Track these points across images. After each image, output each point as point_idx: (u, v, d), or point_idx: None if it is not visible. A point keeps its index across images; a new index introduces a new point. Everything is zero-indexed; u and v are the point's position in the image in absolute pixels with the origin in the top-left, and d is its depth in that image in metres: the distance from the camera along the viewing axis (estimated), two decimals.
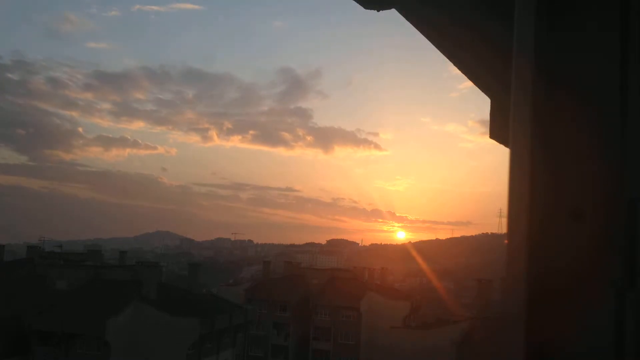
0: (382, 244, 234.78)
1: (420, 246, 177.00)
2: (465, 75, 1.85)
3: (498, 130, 1.79)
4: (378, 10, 1.80)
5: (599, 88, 1.12)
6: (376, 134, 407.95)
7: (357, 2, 1.77)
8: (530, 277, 1.08)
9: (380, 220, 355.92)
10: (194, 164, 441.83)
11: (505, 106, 1.41)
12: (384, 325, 57.26)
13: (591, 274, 1.07)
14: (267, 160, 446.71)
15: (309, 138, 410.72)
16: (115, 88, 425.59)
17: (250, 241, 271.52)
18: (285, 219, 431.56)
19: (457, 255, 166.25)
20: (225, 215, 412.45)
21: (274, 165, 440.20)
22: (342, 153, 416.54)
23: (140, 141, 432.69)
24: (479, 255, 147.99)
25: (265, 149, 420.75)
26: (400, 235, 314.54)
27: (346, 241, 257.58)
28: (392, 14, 1.76)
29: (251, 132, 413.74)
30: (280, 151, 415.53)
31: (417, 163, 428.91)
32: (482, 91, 1.85)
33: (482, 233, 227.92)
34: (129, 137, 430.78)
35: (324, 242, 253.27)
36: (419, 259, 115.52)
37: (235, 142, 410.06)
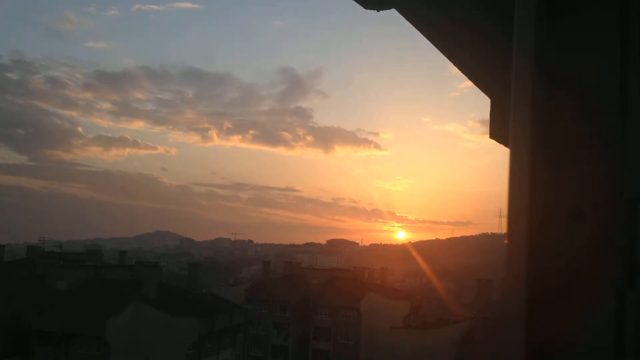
0: (382, 244, 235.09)
1: (420, 246, 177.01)
2: (465, 75, 1.85)
3: (498, 130, 1.79)
4: (378, 10, 1.80)
5: (599, 88, 1.12)
6: (376, 134, 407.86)
7: (357, 2, 1.77)
8: (530, 277, 1.08)
9: (380, 220, 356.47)
10: (193, 163, 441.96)
11: (505, 106, 1.41)
12: (384, 325, 57.29)
13: (591, 274, 1.07)
14: (267, 160, 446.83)
15: (309, 138, 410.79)
16: (114, 88, 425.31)
17: (250, 241, 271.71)
18: (285, 219, 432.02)
19: (457, 255, 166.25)
20: (225, 215, 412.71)
21: (274, 165, 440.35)
22: (342, 153, 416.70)
23: (140, 141, 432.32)
24: (479, 255, 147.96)
25: (265, 148, 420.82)
26: (400, 235, 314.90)
27: (346, 241, 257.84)
28: (392, 14, 1.76)
29: (251, 132, 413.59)
30: (281, 151, 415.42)
31: (417, 163, 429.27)
32: (482, 91, 1.85)
33: (482, 233, 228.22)
34: (129, 137, 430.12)
35: (324, 242, 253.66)
36: (419, 259, 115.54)
37: (235, 142, 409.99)
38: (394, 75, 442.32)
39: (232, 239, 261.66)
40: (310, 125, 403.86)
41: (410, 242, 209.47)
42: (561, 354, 1.07)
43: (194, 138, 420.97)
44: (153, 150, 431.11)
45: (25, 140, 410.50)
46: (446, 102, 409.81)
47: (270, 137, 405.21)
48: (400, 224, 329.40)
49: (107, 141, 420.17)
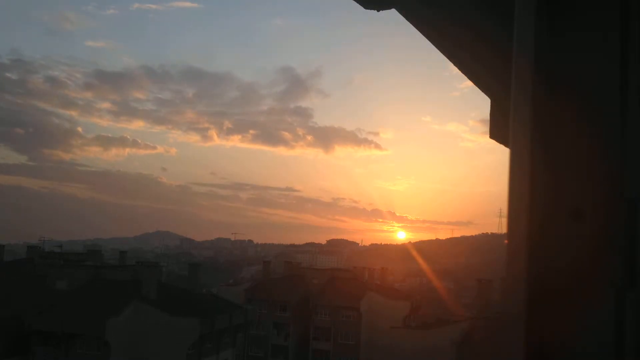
0: (382, 244, 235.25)
1: (420, 246, 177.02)
2: (465, 75, 1.85)
3: (498, 130, 1.79)
4: (378, 10, 1.80)
5: (599, 88, 1.12)
6: (377, 134, 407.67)
7: (357, 2, 1.77)
8: (530, 277, 1.08)
9: (380, 220, 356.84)
10: (193, 163, 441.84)
11: (505, 106, 1.42)
12: (384, 325, 57.26)
13: (591, 274, 1.07)
14: (267, 160, 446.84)
15: (309, 137, 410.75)
16: (114, 87, 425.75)
17: (250, 241, 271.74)
18: (285, 219, 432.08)
19: (457, 255, 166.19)
20: (225, 215, 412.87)
21: (274, 165, 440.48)
22: (342, 153, 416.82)
23: (139, 141, 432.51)
24: (479, 255, 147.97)
25: (265, 148, 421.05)
26: (401, 235, 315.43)
27: (346, 241, 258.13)
28: (392, 14, 1.76)
29: (251, 131, 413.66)
30: (281, 151, 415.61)
31: (417, 163, 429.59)
32: (482, 91, 1.85)
33: (482, 233, 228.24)
34: (129, 137, 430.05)
35: (324, 242, 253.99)
36: (419, 259, 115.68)
37: (235, 142, 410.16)
38: (394, 75, 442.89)
39: (232, 239, 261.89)
40: (311, 125, 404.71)
41: (410, 242, 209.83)
42: (561, 354, 1.07)
43: (193, 138, 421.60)
44: (153, 150, 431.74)
45: (24, 140, 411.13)
46: (446, 102, 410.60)
47: (270, 136, 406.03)
48: (400, 224, 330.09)
49: (107, 141, 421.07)
